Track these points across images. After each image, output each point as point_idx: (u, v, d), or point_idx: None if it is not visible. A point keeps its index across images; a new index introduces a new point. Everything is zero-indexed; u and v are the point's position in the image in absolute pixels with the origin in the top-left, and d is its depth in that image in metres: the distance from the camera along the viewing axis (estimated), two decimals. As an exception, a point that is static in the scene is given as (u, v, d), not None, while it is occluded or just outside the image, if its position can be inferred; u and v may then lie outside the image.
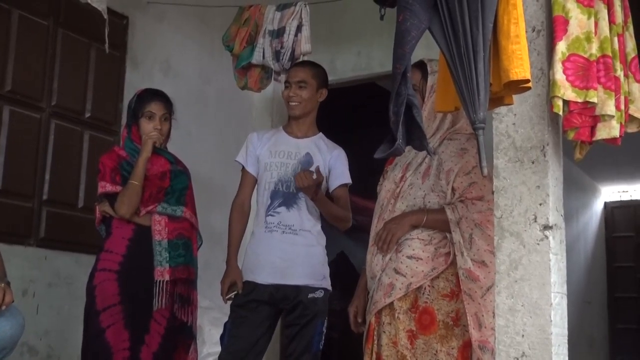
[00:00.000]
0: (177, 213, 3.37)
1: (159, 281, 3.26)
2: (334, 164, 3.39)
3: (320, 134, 3.47)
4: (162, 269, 3.28)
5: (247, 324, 3.23)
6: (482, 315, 2.65)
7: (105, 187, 3.30)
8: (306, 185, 3.14)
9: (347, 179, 3.41)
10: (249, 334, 3.22)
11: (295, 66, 3.56)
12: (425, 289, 2.77)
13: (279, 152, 3.37)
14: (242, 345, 3.20)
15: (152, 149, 3.35)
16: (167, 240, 3.32)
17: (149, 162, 3.36)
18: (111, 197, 3.30)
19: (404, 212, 2.87)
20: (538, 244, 2.21)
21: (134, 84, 4.38)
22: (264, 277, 3.25)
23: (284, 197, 3.30)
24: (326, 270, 3.38)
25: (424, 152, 2.72)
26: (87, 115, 4.34)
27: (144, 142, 3.34)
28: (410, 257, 2.80)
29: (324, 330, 3.27)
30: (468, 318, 2.66)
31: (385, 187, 3.01)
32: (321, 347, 3.25)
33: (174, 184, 3.43)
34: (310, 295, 3.23)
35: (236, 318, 3.26)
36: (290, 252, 3.26)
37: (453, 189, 2.83)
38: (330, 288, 3.37)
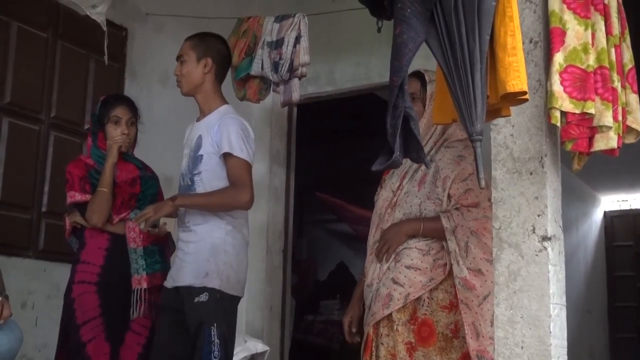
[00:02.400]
0: None
1: (137, 289, 3.23)
2: (216, 138, 3.04)
3: (220, 108, 3.15)
4: (139, 277, 3.25)
5: (159, 333, 3.10)
6: (480, 325, 2.65)
7: (74, 196, 3.26)
8: (150, 220, 2.94)
9: (227, 148, 2.99)
10: (162, 344, 3.05)
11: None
12: (424, 300, 2.77)
13: (185, 144, 3.23)
14: (157, 356, 3.06)
15: (119, 154, 3.31)
16: (143, 248, 3.29)
17: (118, 169, 3.32)
18: (81, 207, 3.26)
19: (401, 221, 2.88)
20: (537, 255, 2.21)
21: (133, 95, 4.37)
22: (168, 280, 3.11)
23: (183, 192, 3.13)
24: (211, 267, 2.97)
25: None
26: (86, 126, 4.33)
27: (109, 147, 3.29)
28: (408, 267, 2.80)
29: (215, 340, 2.89)
30: (465, 327, 2.66)
31: (383, 196, 3.01)
32: (215, 357, 2.90)
33: (145, 189, 3.40)
34: (196, 300, 2.93)
35: (157, 326, 3.15)
36: (185, 252, 3.06)
37: (449, 196, 2.83)
38: (219, 287, 2.94)
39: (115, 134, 3.32)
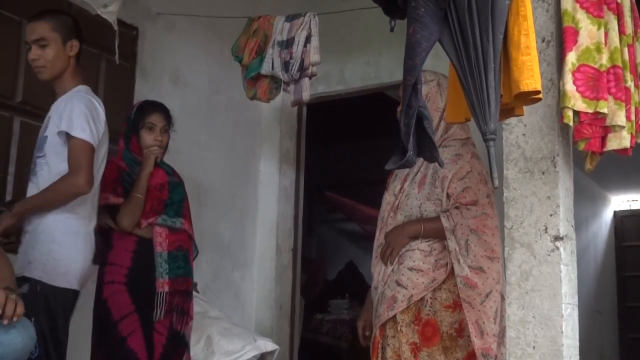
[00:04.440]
0: (176, 225, 3.38)
1: (160, 292, 3.27)
2: (62, 117, 2.83)
3: (75, 89, 2.95)
4: (163, 281, 3.28)
5: None
6: (483, 322, 2.65)
7: (108, 198, 3.27)
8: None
9: (64, 127, 2.79)
10: None
11: (30, 21, 3.06)
12: (427, 301, 2.78)
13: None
14: None
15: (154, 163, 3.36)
16: (167, 252, 3.32)
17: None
18: (111, 209, 3.28)
19: (403, 223, 2.89)
20: (549, 255, 2.21)
21: (143, 94, 4.39)
22: None
23: (30, 176, 3.01)
24: (34, 255, 2.77)
25: (420, 162, 2.74)
26: (97, 125, 4.34)
27: (146, 156, 3.35)
28: (411, 269, 2.81)
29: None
30: (469, 326, 2.66)
31: (386, 200, 3.05)
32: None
33: (173, 195, 3.42)
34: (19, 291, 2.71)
35: None
36: (21, 243, 2.90)
37: (448, 195, 2.85)
38: (39, 278, 2.74)
39: (149, 139, 3.37)
